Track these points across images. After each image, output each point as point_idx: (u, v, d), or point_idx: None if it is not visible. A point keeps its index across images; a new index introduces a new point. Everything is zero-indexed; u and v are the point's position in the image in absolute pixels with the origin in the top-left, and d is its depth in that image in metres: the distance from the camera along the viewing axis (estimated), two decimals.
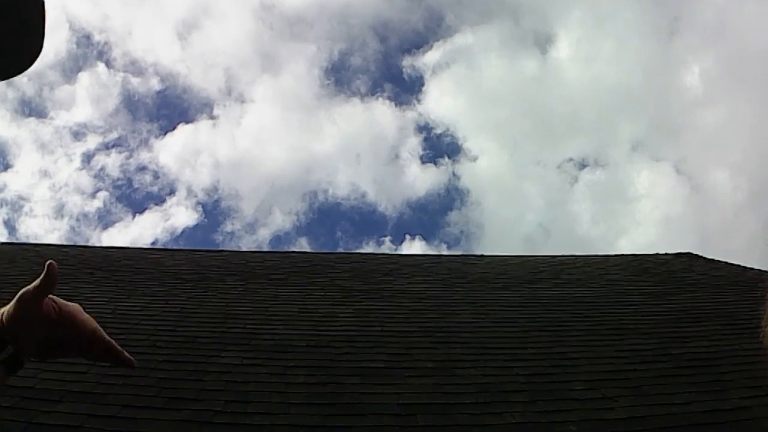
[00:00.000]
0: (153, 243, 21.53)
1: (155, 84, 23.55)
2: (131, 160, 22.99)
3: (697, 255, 10.77)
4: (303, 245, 23.95)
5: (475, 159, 25.52)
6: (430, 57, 26.01)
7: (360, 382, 4.86)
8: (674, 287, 8.81)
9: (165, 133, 25.43)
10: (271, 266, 9.40)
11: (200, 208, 23.47)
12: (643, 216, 24.52)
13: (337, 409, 4.39)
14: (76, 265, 9.14)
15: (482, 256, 11.09)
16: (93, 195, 23.87)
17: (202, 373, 4.85)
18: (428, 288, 8.33)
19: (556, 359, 5.66)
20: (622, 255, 11.09)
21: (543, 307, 7.69)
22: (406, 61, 25.90)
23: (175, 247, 10.74)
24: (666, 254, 11.02)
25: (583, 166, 26.80)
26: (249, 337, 5.81)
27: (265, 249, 21.68)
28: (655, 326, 6.96)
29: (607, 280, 9.33)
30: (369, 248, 22.91)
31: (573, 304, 7.83)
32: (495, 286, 8.64)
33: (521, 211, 26.14)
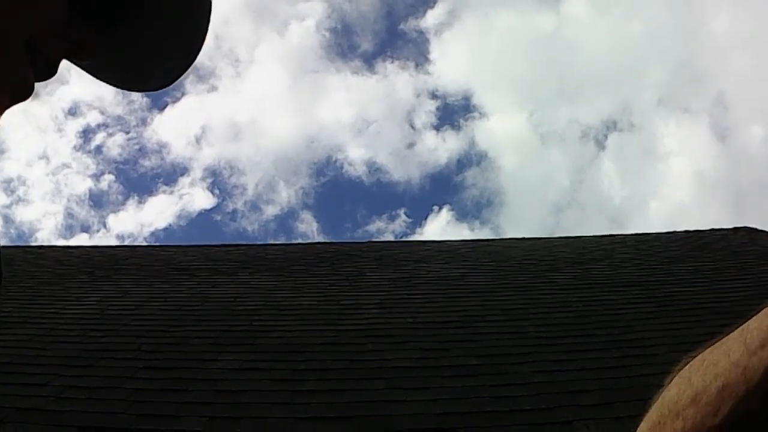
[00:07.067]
0: (152, 231, 20.77)
1: None
2: (128, 139, 22.01)
3: (754, 228, 10.02)
4: (309, 220, 22.95)
5: (487, 118, 24.27)
6: (437, 17, 24.68)
7: (385, 387, 3.85)
8: (739, 263, 7.98)
9: (164, 108, 24.39)
10: (292, 258, 8.50)
11: (206, 187, 22.59)
12: (674, 175, 23.19)
13: (355, 425, 3.39)
14: (77, 265, 8.36)
15: (523, 238, 10.25)
16: (94, 177, 23.04)
17: (188, 381, 3.89)
18: (467, 273, 7.35)
19: (625, 347, 4.64)
20: (674, 232, 10.38)
21: (599, 288, 6.74)
22: (413, 23, 24.63)
23: (185, 243, 9.91)
24: (722, 229, 10.31)
25: (608, 125, 25.39)
26: (254, 335, 4.86)
27: (273, 224, 20.84)
28: (732, 305, 6.04)
29: (664, 257, 8.52)
30: (382, 222, 21.98)
31: (632, 284, 6.91)
32: (541, 268, 7.69)
33: (545, 176, 24.88)
